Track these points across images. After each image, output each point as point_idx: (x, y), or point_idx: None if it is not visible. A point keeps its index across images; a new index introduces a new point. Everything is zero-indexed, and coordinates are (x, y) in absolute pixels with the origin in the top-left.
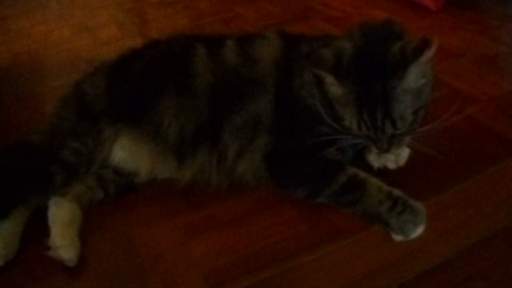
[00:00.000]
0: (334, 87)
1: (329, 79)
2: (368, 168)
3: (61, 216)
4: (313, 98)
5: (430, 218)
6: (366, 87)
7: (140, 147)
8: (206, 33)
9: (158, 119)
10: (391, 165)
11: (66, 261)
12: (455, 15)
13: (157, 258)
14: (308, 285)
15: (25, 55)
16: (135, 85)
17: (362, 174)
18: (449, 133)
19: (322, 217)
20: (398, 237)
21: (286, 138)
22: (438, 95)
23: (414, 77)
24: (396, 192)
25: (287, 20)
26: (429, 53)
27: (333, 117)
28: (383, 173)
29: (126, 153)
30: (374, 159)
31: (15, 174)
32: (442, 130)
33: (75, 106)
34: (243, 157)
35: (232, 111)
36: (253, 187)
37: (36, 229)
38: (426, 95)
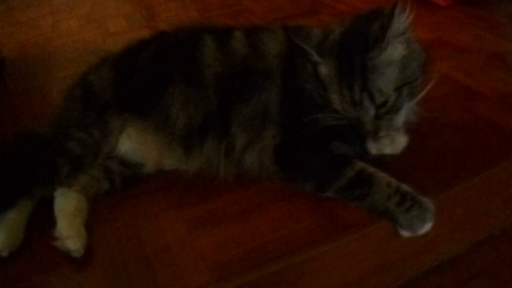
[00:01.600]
0: (320, 66)
1: (315, 57)
2: (375, 162)
3: (67, 206)
4: (315, 89)
5: (437, 215)
6: (346, 62)
7: (147, 138)
8: (213, 24)
9: (166, 109)
10: (387, 150)
11: (72, 252)
12: (464, 12)
13: (163, 249)
14: (314, 280)
15: (32, 46)
16: (142, 75)
17: (371, 169)
18: (457, 130)
19: (329, 211)
20: (405, 233)
21: (294, 131)
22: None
23: (392, 47)
24: (405, 187)
25: (296, 14)
26: (401, 18)
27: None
28: (391, 169)
29: (132, 143)
30: (371, 146)
31: (21, 164)
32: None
33: (82, 97)
34: (251, 148)
35: (240, 101)
36: (261, 180)
37: (42, 220)
38: (412, 71)
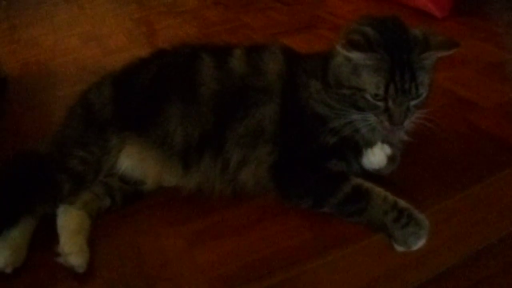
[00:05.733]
0: (363, 61)
1: (357, 54)
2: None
3: (70, 223)
4: (322, 104)
5: (435, 225)
6: (396, 56)
7: (146, 155)
8: (212, 42)
9: (164, 126)
10: (385, 166)
11: (76, 268)
12: (460, 23)
13: (164, 265)
14: None
15: (34, 64)
16: (140, 93)
17: (367, 184)
18: (453, 141)
19: (327, 224)
20: (400, 248)
21: (291, 148)
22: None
23: (431, 58)
24: (402, 203)
25: (294, 29)
26: (451, 52)
27: (348, 99)
28: (387, 180)
29: (133, 161)
30: (369, 160)
31: (23, 182)
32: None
33: (82, 115)
34: (245, 166)
35: (235, 119)
36: (258, 196)
37: (45, 236)
38: (431, 77)
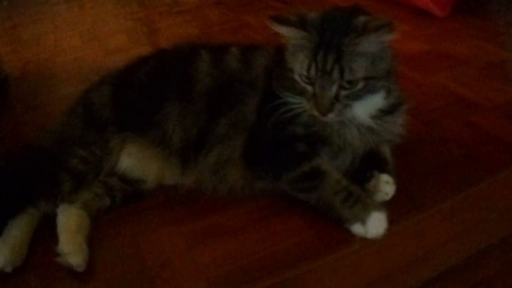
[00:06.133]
0: (295, 40)
1: (280, 29)
2: None
3: (69, 223)
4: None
5: (435, 225)
6: (326, 36)
7: (146, 154)
8: (213, 41)
9: (163, 125)
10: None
11: (75, 267)
12: (462, 22)
13: (163, 265)
14: None
15: (35, 64)
16: (139, 93)
17: (326, 167)
18: (453, 141)
19: (327, 225)
20: (355, 229)
21: (261, 131)
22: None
23: (369, 44)
24: (353, 187)
25: None
26: (388, 35)
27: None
28: None
29: (133, 160)
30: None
31: (25, 177)
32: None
33: (83, 115)
34: (231, 162)
35: (223, 114)
36: (258, 196)
37: (45, 236)
38: (379, 69)
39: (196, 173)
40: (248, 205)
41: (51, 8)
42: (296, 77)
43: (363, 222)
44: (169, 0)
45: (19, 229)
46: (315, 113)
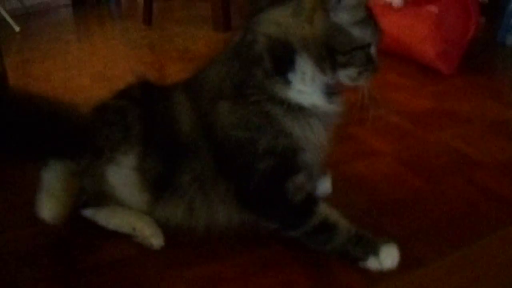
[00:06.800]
0: None
1: None
2: None
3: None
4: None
5: (437, 279)
6: None
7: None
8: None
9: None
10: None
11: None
12: (467, 80)
13: None
14: None
15: None
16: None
17: (334, 216)
18: (455, 198)
19: (329, 274)
20: (370, 264)
21: (243, 177)
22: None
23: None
24: (361, 231)
25: None
26: None
27: None
28: (387, 235)
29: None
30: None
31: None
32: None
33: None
34: (208, 206)
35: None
36: (261, 244)
37: None
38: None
39: (166, 211)
40: (249, 255)
41: (63, 46)
42: (372, 48)
43: (375, 254)
44: (181, 46)
45: (60, 182)
46: (369, 78)
